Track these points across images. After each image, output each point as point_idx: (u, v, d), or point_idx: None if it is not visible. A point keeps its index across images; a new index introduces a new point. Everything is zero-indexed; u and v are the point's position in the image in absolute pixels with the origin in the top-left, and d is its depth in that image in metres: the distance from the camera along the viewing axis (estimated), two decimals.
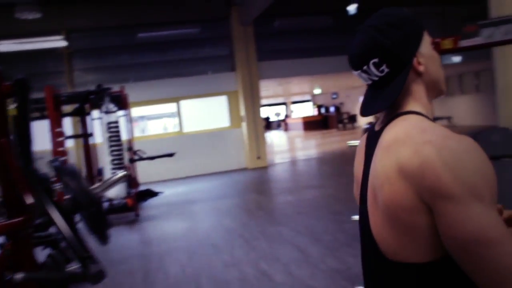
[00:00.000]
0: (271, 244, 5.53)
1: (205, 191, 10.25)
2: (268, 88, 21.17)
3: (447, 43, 2.74)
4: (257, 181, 11.29)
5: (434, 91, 1.13)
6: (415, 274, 0.98)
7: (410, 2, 13.38)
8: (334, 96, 31.83)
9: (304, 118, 31.93)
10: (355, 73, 1.12)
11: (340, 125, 28.60)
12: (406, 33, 1.05)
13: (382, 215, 1.01)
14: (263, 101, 32.31)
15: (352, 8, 10.13)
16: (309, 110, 36.00)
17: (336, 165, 12.86)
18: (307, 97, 35.43)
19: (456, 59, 14.21)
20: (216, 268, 4.84)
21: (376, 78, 1.08)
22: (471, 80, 19.55)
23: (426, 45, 1.10)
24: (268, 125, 27.61)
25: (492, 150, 2.98)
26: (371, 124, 1.23)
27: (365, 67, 1.08)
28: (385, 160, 1.00)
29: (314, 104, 35.72)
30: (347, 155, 13.03)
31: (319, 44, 13.80)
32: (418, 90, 1.09)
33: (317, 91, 28.85)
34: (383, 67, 1.05)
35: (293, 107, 37.52)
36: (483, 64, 14.00)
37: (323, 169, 12.59)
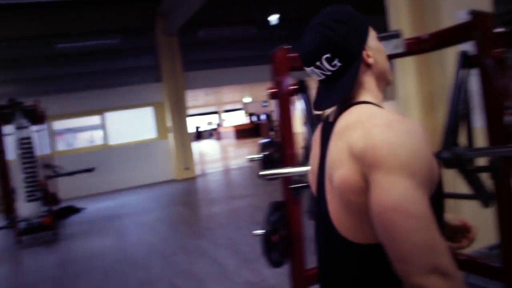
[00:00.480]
0: (189, 258, 5.43)
1: (129, 205, 9.96)
2: (196, 98, 21.04)
3: None
4: (183, 193, 11.13)
5: (383, 81, 1.19)
6: (371, 254, 1.02)
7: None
8: (265, 104, 32.16)
9: (235, 126, 31.98)
10: (308, 69, 1.15)
11: (272, 133, 28.87)
12: (353, 27, 1.11)
13: (338, 199, 1.06)
14: (194, 111, 32.29)
15: (274, 18, 10.28)
16: (241, 118, 36.14)
17: None
18: (239, 105, 35.57)
19: None
20: None
21: (329, 73, 1.12)
22: None
23: (372, 38, 1.16)
24: (199, 134, 27.43)
25: None
26: (325, 117, 1.26)
27: (318, 63, 1.12)
28: (337, 145, 1.06)
29: (246, 112, 35.92)
30: None
31: (245, 54, 13.87)
32: (368, 81, 1.15)
33: (247, 99, 29.02)
34: (335, 61, 1.10)
35: (225, 115, 37.57)
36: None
37: (252, 178, 12.61)
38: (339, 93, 1.11)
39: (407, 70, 3.50)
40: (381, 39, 2.89)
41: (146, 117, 13.37)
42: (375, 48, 1.16)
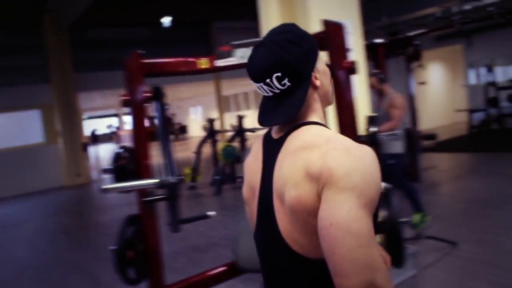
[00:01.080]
0: (64, 273, 5.09)
1: (8, 215, 9.23)
2: (93, 100, 20.16)
3: (204, 63, 2.76)
4: (72, 201, 10.53)
5: (326, 102, 1.24)
6: (316, 268, 1.06)
7: (215, 17, 13.99)
8: (166, 107, 31.60)
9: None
10: (256, 85, 1.15)
11: (172, 136, 28.52)
12: (305, 50, 1.13)
13: (291, 218, 1.07)
14: (92, 113, 30.92)
15: (166, 21, 10.10)
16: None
17: None
18: None
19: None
20: None
21: (277, 91, 1.13)
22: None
23: (320, 61, 1.19)
24: (95, 138, 26.27)
25: None
26: (266, 132, 1.27)
27: (267, 80, 1.12)
28: (292, 165, 1.06)
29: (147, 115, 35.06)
30: None
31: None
32: (315, 102, 1.18)
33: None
34: (285, 81, 1.11)
35: (126, 118, 36.37)
36: None
37: None
38: (288, 112, 1.13)
39: None
40: (242, 46, 2.93)
41: (33, 120, 12.51)
42: (321, 70, 1.20)
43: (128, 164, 2.56)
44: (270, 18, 3.52)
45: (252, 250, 2.93)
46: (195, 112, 29.59)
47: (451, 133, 13.02)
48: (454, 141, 11.71)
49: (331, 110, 2.41)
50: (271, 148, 1.19)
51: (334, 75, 2.24)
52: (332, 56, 2.24)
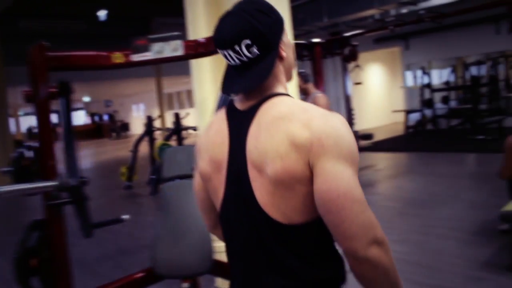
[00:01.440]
0: None
1: None
2: None
3: (118, 57, 2.59)
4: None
5: (289, 76, 1.25)
6: (299, 232, 1.10)
7: (155, 12, 13.67)
8: (109, 103, 30.87)
9: (75, 126, 30.06)
10: (224, 52, 1.15)
11: (114, 134, 27.77)
12: (273, 20, 1.15)
13: (273, 187, 1.08)
14: (27, 110, 29.58)
15: (102, 14, 9.73)
16: (81, 118, 34.14)
17: (100, 177, 12.24)
18: (80, 105, 33.59)
19: None
20: None
21: (244, 59, 1.13)
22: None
23: (285, 35, 1.20)
24: (32, 135, 25.24)
25: (178, 169, 2.91)
26: (229, 104, 1.25)
27: (236, 47, 1.12)
28: (272, 136, 1.07)
29: (88, 112, 34.09)
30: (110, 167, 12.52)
31: (76, 49, 12.96)
32: (281, 73, 1.20)
33: (86, 98, 27.48)
34: (254, 48, 1.11)
35: None
36: None
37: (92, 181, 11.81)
38: (256, 79, 1.14)
39: (203, 74, 3.40)
40: (159, 40, 2.78)
41: None
42: (287, 43, 1.21)
43: (32, 165, 2.35)
44: (196, 16, 3.38)
45: (170, 255, 2.81)
46: (138, 110, 28.93)
47: (388, 133, 13.36)
48: (391, 141, 12.02)
49: None
50: (239, 120, 1.18)
51: None
52: None
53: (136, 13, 12.51)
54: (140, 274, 2.72)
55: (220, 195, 1.22)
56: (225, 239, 1.28)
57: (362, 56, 15.68)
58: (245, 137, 1.14)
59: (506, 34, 4.49)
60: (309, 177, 1.05)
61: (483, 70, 12.86)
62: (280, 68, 1.20)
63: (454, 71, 12.86)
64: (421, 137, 12.33)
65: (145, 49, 2.58)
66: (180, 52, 2.55)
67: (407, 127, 12.86)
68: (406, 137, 12.50)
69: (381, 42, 14.43)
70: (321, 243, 1.14)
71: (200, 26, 3.34)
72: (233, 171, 1.18)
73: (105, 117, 31.82)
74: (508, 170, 3.96)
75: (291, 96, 1.19)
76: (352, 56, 6.84)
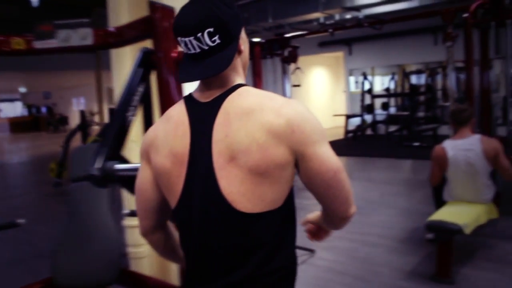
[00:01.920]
0: None
1: None
2: None
3: (19, 43, 2.32)
4: None
5: (244, 71, 1.27)
6: (266, 220, 1.14)
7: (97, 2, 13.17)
8: (48, 96, 29.63)
9: (10, 119, 28.73)
10: (185, 39, 1.14)
11: (51, 128, 26.64)
12: (235, 13, 1.17)
13: (245, 174, 1.10)
14: None
15: (35, 0, 9.22)
16: (18, 109, 32.57)
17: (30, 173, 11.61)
18: (16, 95, 32.05)
19: None
20: None
21: (205, 47, 1.13)
22: None
23: (243, 30, 1.23)
24: None
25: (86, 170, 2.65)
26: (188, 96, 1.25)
27: (199, 35, 1.12)
28: (246, 127, 1.10)
29: (25, 103, 32.57)
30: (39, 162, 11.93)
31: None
32: (239, 66, 1.23)
33: (22, 89, 26.25)
34: (216, 37, 1.12)
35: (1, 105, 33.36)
36: None
37: (28, 176, 11.21)
38: (216, 67, 1.14)
39: (123, 64, 3.16)
40: (66, 26, 2.52)
41: None
42: (244, 39, 1.24)
43: None
44: (117, 4, 3.13)
45: (72, 263, 2.56)
46: (78, 103, 27.87)
47: (329, 137, 13.45)
48: (330, 144, 12.09)
49: (154, 111, 2.09)
50: (202, 112, 1.18)
51: (159, 68, 1.94)
52: (157, 45, 1.93)
53: (77, 2, 11.97)
54: (37, 286, 2.46)
55: (179, 189, 1.20)
56: (180, 233, 1.27)
57: (307, 60, 15.86)
58: (211, 128, 1.15)
59: (443, 44, 4.63)
60: (290, 161, 1.12)
61: (423, 79, 13.25)
62: (238, 61, 1.22)
63: (394, 78, 13.12)
64: (360, 142, 12.52)
65: (49, 35, 2.32)
66: (89, 41, 2.31)
67: (347, 132, 12.99)
68: (345, 142, 12.64)
69: (325, 46, 14.56)
70: (281, 231, 1.19)
71: (122, 14, 3.10)
72: (196, 162, 1.17)
73: (43, 110, 30.46)
74: (434, 178, 3.99)
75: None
76: (292, 58, 6.75)
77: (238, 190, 1.11)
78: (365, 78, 12.96)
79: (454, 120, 3.93)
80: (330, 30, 5.84)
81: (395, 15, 12.22)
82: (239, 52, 1.21)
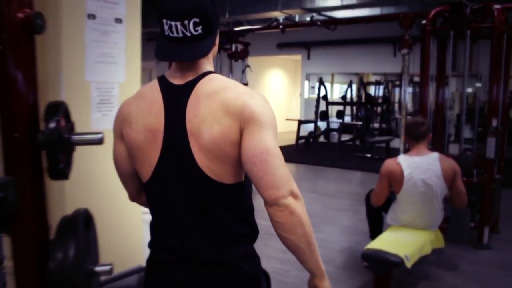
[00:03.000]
0: None
1: None
2: None
3: None
4: None
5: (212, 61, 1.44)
6: (234, 191, 1.33)
7: None
8: None
9: None
10: (171, 22, 1.26)
11: None
12: (216, 10, 1.33)
13: (209, 151, 1.26)
14: None
15: None
16: None
17: None
18: None
19: None
20: None
21: (188, 34, 1.27)
22: None
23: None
24: None
25: None
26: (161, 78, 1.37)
27: (185, 22, 1.26)
28: (210, 106, 1.26)
29: None
30: None
31: None
32: (211, 56, 1.40)
33: None
34: (199, 28, 1.27)
35: None
36: None
37: None
38: (197, 53, 1.30)
39: None
40: None
41: None
42: (217, 34, 1.40)
43: None
44: None
45: None
46: None
47: (280, 142, 13.05)
48: (281, 149, 11.66)
49: None
50: (176, 93, 1.31)
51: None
52: None
53: None
54: None
55: (153, 161, 1.32)
56: (153, 203, 1.41)
57: (264, 60, 15.44)
58: (185, 108, 1.28)
59: (399, 52, 4.26)
60: (239, 140, 1.26)
61: (381, 90, 13.01)
62: (211, 53, 1.38)
63: (351, 86, 12.79)
64: (311, 149, 12.14)
65: None
66: None
67: (299, 138, 12.51)
68: (296, 148, 12.20)
69: (283, 48, 14.12)
70: (246, 202, 1.39)
71: None
72: (171, 138, 1.29)
73: None
74: (380, 196, 3.52)
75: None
76: (241, 54, 6.23)
77: (206, 164, 1.27)
78: (321, 83, 12.55)
79: (410, 134, 3.48)
80: (281, 27, 5.35)
81: (353, 21, 12.02)
82: (214, 44, 1.37)
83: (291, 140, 12.69)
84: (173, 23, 1.26)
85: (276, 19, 11.90)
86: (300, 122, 12.67)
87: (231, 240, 1.34)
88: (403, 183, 3.35)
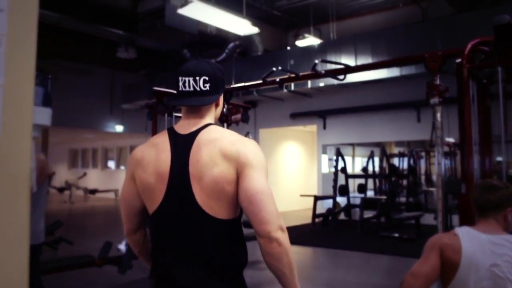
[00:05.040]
0: None
1: None
2: None
3: None
4: None
5: (216, 119, 1.76)
6: (226, 226, 1.55)
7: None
8: None
9: None
10: (185, 78, 1.62)
11: None
12: (223, 78, 1.68)
13: (209, 190, 1.51)
14: None
15: None
16: None
17: None
18: None
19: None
20: None
21: (198, 89, 1.61)
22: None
23: (222, 94, 1.72)
24: None
25: None
26: (170, 130, 1.66)
27: (197, 77, 1.61)
28: (210, 152, 1.52)
29: None
30: None
31: None
32: (213, 114, 1.70)
33: None
34: (207, 85, 1.61)
35: None
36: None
37: None
38: (200, 102, 1.62)
39: None
40: None
41: None
42: (220, 100, 1.72)
43: None
44: None
45: None
46: None
47: (296, 220, 11.72)
48: (294, 230, 10.33)
49: None
50: (182, 142, 1.59)
51: None
52: None
53: None
54: None
55: (159, 198, 1.58)
56: (155, 233, 1.65)
57: (278, 132, 14.45)
58: (188, 155, 1.55)
59: (427, 122, 3.16)
60: (235, 179, 1.51)
61: (405, 161, 11.73)
62: (213, 110, 1.69)
63: (372, 157, 11.57)
64: (330, 228, 10.75)
65: None
66: None
67: (315, 215, 11.08)
68: (312, 228, 10.79)
69: (297, 118, 13.15)
70: (238, 235, 1.60)
71: None
72: (176, 180, 1.55)
73: None
74: (422, 279, 2.11)
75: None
76: (232, 118, 5.18)
77: (205, 202, 1.52)
78: (339, 155, 11.36)
79: (474, 202, 2.19)
80: (277, 80, 4.34)
81: (374, 85, 11.04)
82: (217, 105, 1.71)
83: (307, 218, 11.34)
84: (186, 78, 1.62)
85: (291, 89, 11.08)
86: (317, 198, 11.28)
87: (222, 269, 1.55)
88: (459, 267, 2.05)
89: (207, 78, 1.59)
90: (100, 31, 10.60)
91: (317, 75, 4.13)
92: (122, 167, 20.67)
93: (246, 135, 6.19)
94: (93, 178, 21.14)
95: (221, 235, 1.53)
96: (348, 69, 3.93)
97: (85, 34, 11.12)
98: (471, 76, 3.20)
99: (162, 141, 1.62)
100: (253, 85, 4.81)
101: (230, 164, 1.49)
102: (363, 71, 4.04)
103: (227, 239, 1.55)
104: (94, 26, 10.38)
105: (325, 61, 5.18)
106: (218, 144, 1.51)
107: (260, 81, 4.70)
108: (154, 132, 5.76)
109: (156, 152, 1.60)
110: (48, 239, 6.35)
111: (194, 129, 1.58)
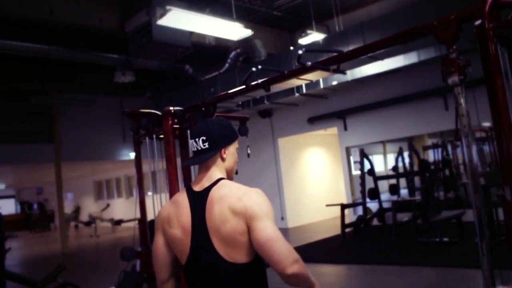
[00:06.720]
0: None
1: None
2: None
3: None
4: None
5: (231, 174, 1.98)
6: (244, 268, 1.77)
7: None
8: (38, 191, 27.91)
9: (5, 216, 26.69)
10: (192, 140, 1.89)
11: (38, 226, 24.43)
12: (225, 133, 1.89)
13: (226, 240, 1.74)
14: None
15: None
16: (11, 207, 30.69)
17: None
18: (11, 192, 30.40)
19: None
20: None
21: (200, 148, 1.87)
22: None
23: (233, 146, 1.95)
24: None
25: None
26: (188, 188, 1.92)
27: (197, 139, 1.87)
28: (220, 208, 1.75)
29: (19, 200, 30.85)
30: None
31: None
32: (222, 168, 1.91)
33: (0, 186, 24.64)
34: (206, 143, 1.85)
35: None
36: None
37: None
38: (197, 161, 1.88)
39: None
40: None
41: None
42: (230, 153, 1.93)
43: None
44: None
45: None
46: (66, 199, 25.79)
47: (325, 232, 10.80)
48: (319, 245, 9.41)
49: None
50: (197, 199, 1.84)
51: None
52: None
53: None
54: None
55: (187, 250, 1.82)
56: (189, 280, 1.87)
57: (297, 139, 13.54)
58: (204, 210, 1.80)
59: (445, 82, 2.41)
60: (246, 231, 1.71)
61: (439, 153, 10.63)
62: (221, 164, 1.90)
63: (401, 154, 10.55)
64: (362, 237, 9.78)
65: None
66: None
67: (344, 226, 9.96)
68: (342, 240, 9.75)
69: (316, 122, 12.25)
70: (255, 276, 1.81)
71: None
72: (197, 233, 1.80)
73: (35, 206, 28.51)
74: None
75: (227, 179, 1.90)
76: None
77: (224, 250, 1.75)
78: (364, 156, 10.38)
79: None
80: (259, 82, 3.56)
81: (392, 76, 10.08)
82: (223, 159, 1.90)
83: (337, 228, 10.32)
84: (192, 140, 1.90)
85: (302, 92, 10.25)
86: (344, 207, 10.22)
87: None
88: None
89: (204, 138, 1.84)
90: (93, 57, 10.02)
91: (303, 69, 3.34)
92: (149, 193, 20.11)
93: (247, 148, 5.43)
94: (119, 208, 20.69)
95: (242, 277, 1.77)
96: (341, 57, 3.13)
97: (82, 63, 10.62)
98: (497, 40, 2.35)
99: (182, 199, 1.90)
100: (234, 93, 4.04)
101: (239, 219, 1.72)
102: (359, 57, 3.19)
103: (249, 280, 1.79)
104: (85, 53, 9.80)
105: (310, 50, 4.38)
106: (226, 201, 1.75)
107: (243, 87, 3.91)
108: (138, 158, 5.13)
109: (179, 209, 1.88)
110: (51, 286, 5.76)
111: (207, 185, 1.85)
